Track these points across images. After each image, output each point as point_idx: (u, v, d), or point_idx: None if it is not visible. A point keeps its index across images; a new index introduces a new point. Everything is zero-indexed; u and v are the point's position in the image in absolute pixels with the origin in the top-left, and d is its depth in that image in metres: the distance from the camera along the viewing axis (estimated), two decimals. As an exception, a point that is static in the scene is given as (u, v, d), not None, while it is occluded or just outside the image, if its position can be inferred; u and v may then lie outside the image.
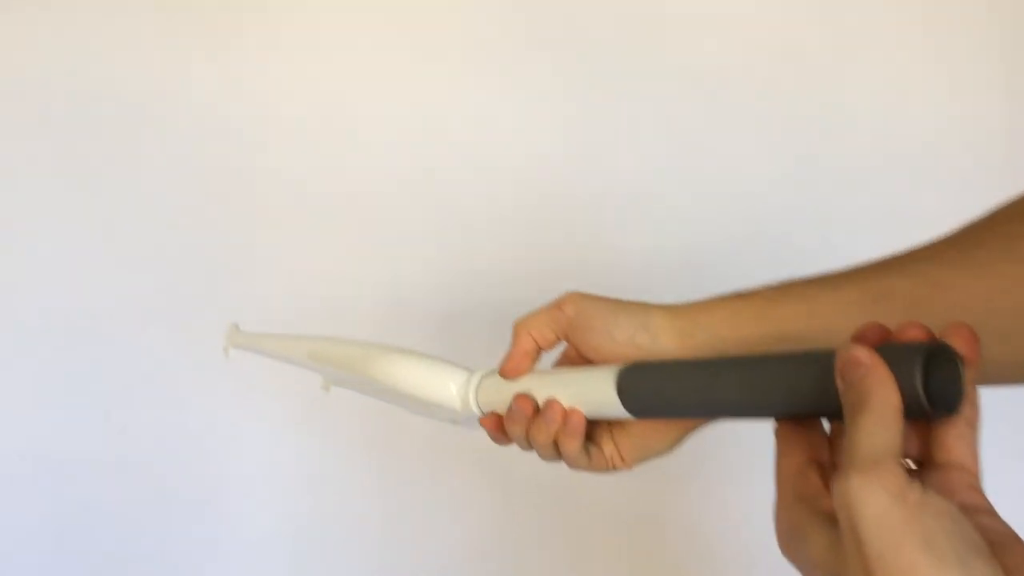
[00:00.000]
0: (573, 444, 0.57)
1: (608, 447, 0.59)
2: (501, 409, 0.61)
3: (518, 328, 0.60)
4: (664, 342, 0.56)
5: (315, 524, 1.05)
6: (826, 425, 0.47)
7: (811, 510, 0.42)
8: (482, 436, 0.63)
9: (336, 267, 1.03)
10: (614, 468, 0.59)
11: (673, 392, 0.52)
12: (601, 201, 1.03)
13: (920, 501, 0.36)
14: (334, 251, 1.03)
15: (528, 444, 0.60)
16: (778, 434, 0.46)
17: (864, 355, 0.40)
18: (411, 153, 1.03)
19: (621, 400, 0.54)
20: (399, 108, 1.03)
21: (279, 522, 1.05)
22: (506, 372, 0.60)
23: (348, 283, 1.03)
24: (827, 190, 1.04)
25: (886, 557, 0.35)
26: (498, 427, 0.61)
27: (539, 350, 0.60)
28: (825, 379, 0.43)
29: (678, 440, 0.58)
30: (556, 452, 0.59)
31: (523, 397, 0.59)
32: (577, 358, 0.60)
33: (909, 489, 0.37)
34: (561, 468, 0.61)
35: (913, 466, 0.43)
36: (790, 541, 0.42)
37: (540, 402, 0.58)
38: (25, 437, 1.03)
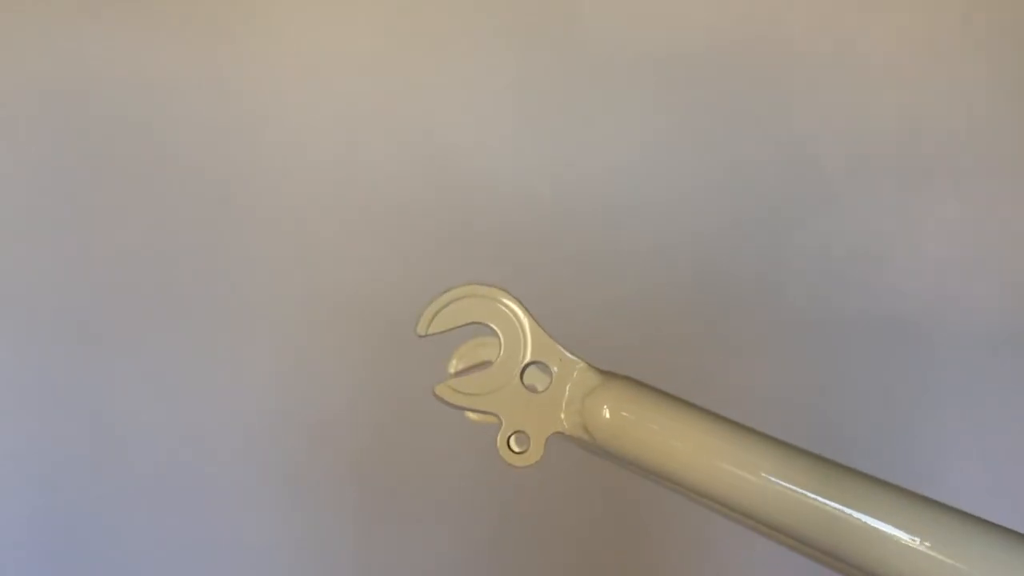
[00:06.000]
0: None
1: None
2: None
3: None
4: None
5: (311, 526, 1.05)
6: None
7: None
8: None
9: (332, 268, 1.03)
10: None
11: None
12: (591, 202, 1.03)
13: None
14: (332, 252, 1.03)
15: None
16: None
17: None
18: (398, 154, 1.03)
19: None
20: (380, 108, 1.03)
21: (277, 524, 1.05)
22: None
23: (344, 284, 1.03)
24: (825, 191, 1.03)
25: None
26: None
27: None
28: None
29: None
30: None
31: None
32: None
33: None
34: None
35: None
36: None
37: None
38: (18, 437, 1.03)
